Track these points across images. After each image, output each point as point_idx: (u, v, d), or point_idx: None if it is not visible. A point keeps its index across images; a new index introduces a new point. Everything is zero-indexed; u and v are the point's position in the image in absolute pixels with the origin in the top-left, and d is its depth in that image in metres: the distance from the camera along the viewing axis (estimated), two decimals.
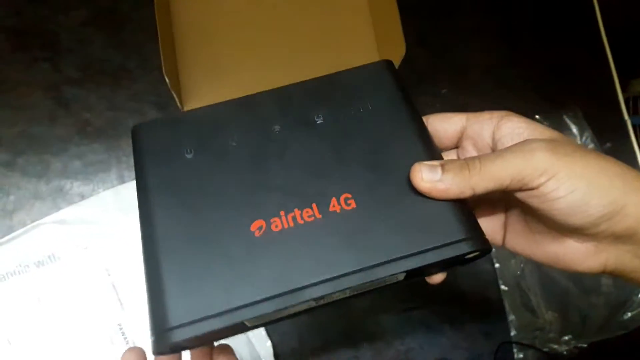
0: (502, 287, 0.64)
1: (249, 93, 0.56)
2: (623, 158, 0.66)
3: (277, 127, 0.32)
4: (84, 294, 0.57)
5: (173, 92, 0.51)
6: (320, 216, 0.29)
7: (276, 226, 0.29)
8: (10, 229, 0.58)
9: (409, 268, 0.28)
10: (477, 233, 0.29)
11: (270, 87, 0.56)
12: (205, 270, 0.28)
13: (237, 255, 0.28)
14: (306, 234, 0.29)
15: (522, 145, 0.28)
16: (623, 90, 0.70)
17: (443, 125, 0.34)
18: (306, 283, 0.27)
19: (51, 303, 0.56)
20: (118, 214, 0.58)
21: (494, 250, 0.64)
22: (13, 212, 0.59)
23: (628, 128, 0.65)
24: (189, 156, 0.32)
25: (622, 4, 0.77)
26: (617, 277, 0.30)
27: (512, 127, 0.31)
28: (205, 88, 0.57)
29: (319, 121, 0.32)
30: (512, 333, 0.63)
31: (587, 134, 0.66)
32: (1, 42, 0.62)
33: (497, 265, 0.64)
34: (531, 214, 0.32)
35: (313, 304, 0.29)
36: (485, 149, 0.32)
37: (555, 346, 0.63)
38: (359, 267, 0.28)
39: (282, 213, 0.29)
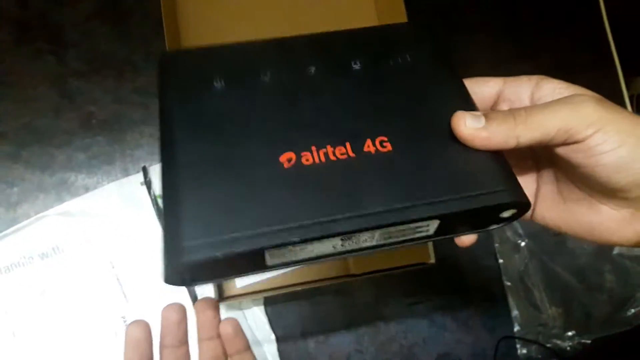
0: (506, 282, 0.64)
1: None
2: None
3: (312, 69, 0.31)
4: (88, 286, 0.57)
5: None
6: (353, 155, 0.27)
7: (307, 160, 0.27)
8: (15, 221, 0.58)
9: (442, 212, 0.26)
10: (516, 186, 0.27)
11: None
12: (228, 194, 0.26)
13: (263, 183, 0.26)
14: (337, 170, 0.27)
15: (570, 97, 0.27)
16: (628, 88, 0.70)
17: (479, 89, 0.32)
18: (334, 217, 0.25)
19: (55, 295, 0.56)
20: (122, 207, 0.58)
21: (498, 246, 0.64)
22: (17, 205, 0.59)
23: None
24: (217, 85, 0.30)
25: (627, 1, 0.77)
26: None
27: (552, 88, 0.29)
28: None
29: (356, 67, 0.31)
30: (516, 329, 0.63)
31: None
32: (6, 34, 0.62)
33: (500, 261, 0.64)
34: (569, 177, 0.30)
35: (339, 244, 0.26)
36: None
37: (559, 342, 0.63)
38: (391, 207, 0.26)
39: (313, 148, 0.28)
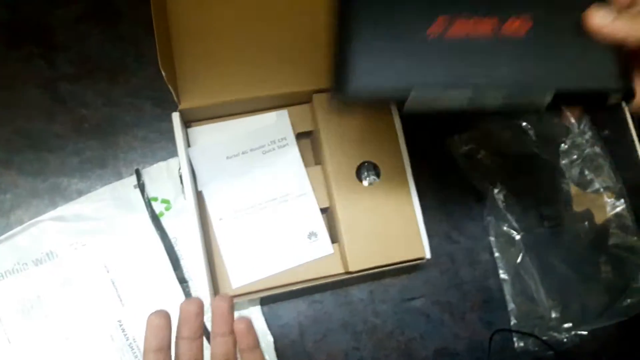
0: (502, 276, 0.64)
1: (245, 86, 0.56)
2: (621, 146, 0.66)
3: None
4: (83, 291, 0.56)
5: (169, 86, 0.51)
6: (492, 33, 0.34)
7: (456, 30, 0.34)
8: (8, 228, 0.58)
9: (559, 86, 0.33)
10: (626, 77, 0.34)
11: (266, 80, 0.56)
12: (393, 38, 0.34)
13: (415, 45, 0.34)
14: (478, 45, 0.34)
15: None
16: None
17: None
18: (470, 74, 0.34)
19: (50, 301, 0.56)
20: (116, 211, 0.58)
21: (493, 239, 0.64)
22: (10, 211, 0.59)
23: (626, 115, 0.65)
24: None
25: None
26: None
27: None
28: (202, 82, 0.56)
29: None
30: (512, 322, 0.63)
31: (585, 120, 0.65)
32: None
33: (496, 255, 0.64)
34: None
35: (467, 97, 0.34)
36: None
37: (556, 334, 0.63)
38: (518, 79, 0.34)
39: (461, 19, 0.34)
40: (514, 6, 0.34)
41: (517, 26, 0.34)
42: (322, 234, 0.58)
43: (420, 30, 0.34)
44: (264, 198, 0.58)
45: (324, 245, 0.58)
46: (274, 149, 0.59)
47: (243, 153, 0.59)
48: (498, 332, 0.62)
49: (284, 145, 0.59)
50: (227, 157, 0.58)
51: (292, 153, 0.59)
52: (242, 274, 0.56)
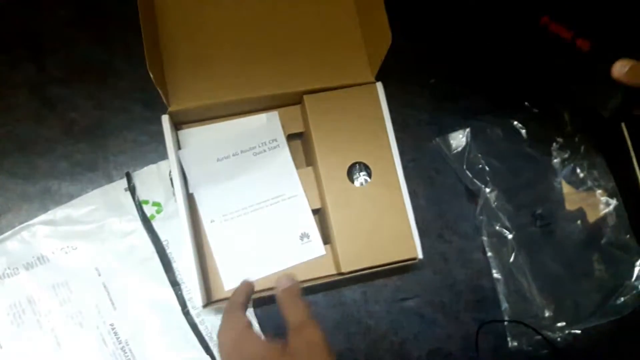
0: (495, 275, 0.64)
1: (235, 88, 0.56)
2: (614, 144, 0.66)
3: None
4: (75, 295, 0.57)
5: (158, 88, 0.51)
6: None
7: None
8: None
9: None
10: None
11: (256, 81, 0.57)
12: None
13: None
14: None
15: None
16: None
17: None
18: None
19: (42, 305, 0.56)
20: (107, 214, 0.58)
21: (486, 239, 0.64)
22: (0, 215, 0.59)
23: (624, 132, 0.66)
24: None
25: None
26: None
27: None
28: (191, 84, 0.56)
29: None
30: (506, 322, 0.63)
31: (578, 120, 0.66)
32: None
33: (489, 254, 0.64)
34: None
35: None
36: None
37: (549, 333, 0.63)
38: None
39: None
40: None
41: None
42: (314, 235, 0.58)
43: None
44: (256, 200, 0.58)
45: (316, 247, 0.58)
46: (264, 151, 0.59)
47: (234, 155, 0.59)
48: (485, 324, 0.63)
49: (275, 147, 0.59)
50: (218, 159, 0.59)
51: (283, 155, 0.59)
52: (234, 276, 0.56)
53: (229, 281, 0.56)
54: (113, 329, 0.56)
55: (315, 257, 0.58)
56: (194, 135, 0.60)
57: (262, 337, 0.55)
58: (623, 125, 0.66)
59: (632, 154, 0.67)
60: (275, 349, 0.40)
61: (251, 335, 0.41)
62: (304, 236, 0.58)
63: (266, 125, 0.60)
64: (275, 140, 0.60)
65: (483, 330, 0.63)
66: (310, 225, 0.59)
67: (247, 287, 0.46)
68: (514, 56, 0.68)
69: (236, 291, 0.46)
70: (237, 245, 0.57)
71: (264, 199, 0.58)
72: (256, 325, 0.59)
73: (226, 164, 0.59)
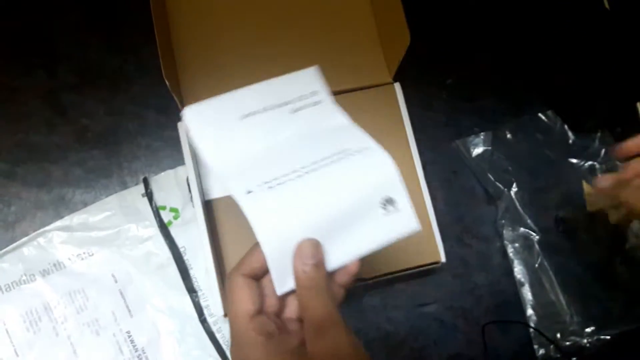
0: (519, 278, 0.65)
1: None
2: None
3: None
4: (91, 301, 0.59)
5: (174, 94, 0.53)
6: None
7: None
8: (13, 241, 0.60)
9: None
10: None
11: None
12: None
13: None
14: None
15: None
16: None
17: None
18: None
19: (58, 312, 0.59)
20: (124, 219, 0.61)
21: (508, 243, 0.65)
22: (15, 224, 0.61)
23: (638, 112, 0.67)
24: None
25: None
26: None
27: None
28: (206, 88, 0.59)
29: None
30: (531, 330, 0.64)
31: (596, 118, 0.68)
32: None
33: (512, 258, 0.65)
34: None
35: None
36: None
37: (577, 339, 0.64)
38: None
39: None
40: None
41: None
42: (401, 200, 0.41)
43: None
44: (309, 159, 0.41)
45: (406, 218, 0.41)
46: (305, 107, 0.45)
47: (265, 110, 0.44)
48: (488, 324, 0.64)
49: (318, 103, 0.46)
50: (243, 116, 0.43)
51: (332, 109, 0.46)
52: (288, 270, 0.38)
53: (280, 279, 0.38)
54: (129, 336, 0.58)
55: (405, 234, 0.41)
56: None
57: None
58: None
59: None
60: (287, 355, 0.34)
61: (254, 337, 0.35)
62: (387, 203, 0.41)
63: (301, 75, 0.46)
64: (316, 93, 0.46)
65: (507, 336, 0.64)
66: (395, 186, 0.41)
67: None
68: (532, 55, 0.69)
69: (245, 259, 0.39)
70: (289, 222, 0.38)
71: (321, 156, 0.41)
72: None
73: (255, 122, 0.43)
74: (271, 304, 0.38)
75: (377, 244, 0.41)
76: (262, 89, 0.44)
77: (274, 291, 0.38)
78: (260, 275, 0.38)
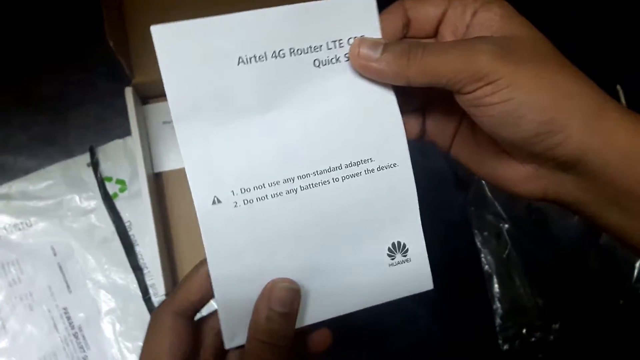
0: (487, 270, 0.64)
1: None
2: None
3: None
4: (26, 275, 0.57)
5: (119, 57, 0.52)
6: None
7: None
8: None
9: None
10: None
11: None
12: None
13: None
14: None
15: (471, 43, 0.28)
16: None
17: (423, 10, 0.31)
18: None
19: None
20: (66, 189, 0.59)
21: (476, 231, 0.64)
22: None
23: (619, 93, 0.66)
24: None
25: None
26: (559, 205, 0.30)
27: (486, 18, 0.29)
28: (154, 60, 0.56)
29: None
30: (497, 321, 0.63)
31: None
32: None
33: (480, 247, 0.64)
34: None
35: None
36: (463, 34, 0.31)
37: (543, 335, 0.63)
38: None
39: None
40: None
41: None
42: (415, 247, 0.34)
43: None
44: (310, 162, 0.31)
45: (419, 272, 0.34)
46: (336, 61, 0.30)
47: (274, 56, 0.29)
48: (451, 315, 0.63)
49: None
50: (240, 61, 0.29)
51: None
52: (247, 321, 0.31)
53: (233, 328, 0.31)
54: (66, 313, 0.57)
55: (413, 292, 0.35)
56: (163, 110, 0.60)
57: None
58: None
59: None
60: None
61: None
62: (395, 248, 0.33)
63: (346, 6, 0.30)
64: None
65: (469, 325, 0.62)
66: (412, 228, 0.33)
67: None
68: None
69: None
70: (261, 256, 0.31)
71: (330, 162, 0.31)
72: None
73: (256, 74, 0.29)
74: (209, 356, 0.33)
75: (373, 300, 0.34)
76: (276, 17, 0.29)
77: (215, 337, 0.32)
78: (199, 308, 0.32)
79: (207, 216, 0.29)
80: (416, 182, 0.63)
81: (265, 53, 0.29)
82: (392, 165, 0.33)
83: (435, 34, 0.32)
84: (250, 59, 0.29)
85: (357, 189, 0.32)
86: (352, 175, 0.32)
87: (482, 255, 0.64)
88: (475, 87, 0.26)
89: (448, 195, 0.66)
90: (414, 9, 0.31)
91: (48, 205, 0.58)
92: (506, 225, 0.64)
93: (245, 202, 0.30)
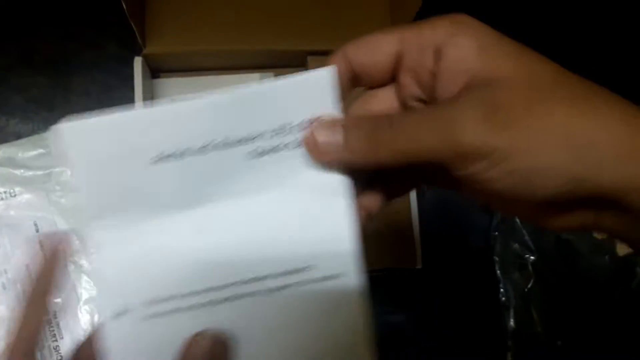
0: (503, 301, 0.60)
1: (227, 36, 0.52)
2: None
3: None
4: (2, 249, 0.54)
5: (131, 22, 0.49)
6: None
7: None
8: None
9: None
10: None
11: (252, 32, 0.53)
12: None
13: None
14: None
15: (446, 111, 0.22)
16: None
17: (371, 58, 0.26)
18: None
19: None
20: (57, 161, 0.55)
21: (497, 258, 0.60)
22: None
23: None
24: None
25: None
26: (598, 231, 0.24)
27: (457, 58, 0.23)
28: (176, 24, 0.54)
29: None
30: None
31: None
32: None
33: (500, 276, 0.61)
34: None
35: None
36: (429, 83, 0.26)
37: None
38: None
39: None
40: None
41: None
42: None
43: None
44: (237, 270, 0.27)
45: None
46: (281, 149, 0.26)
47: (202, 151, 0.26)
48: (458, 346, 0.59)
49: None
50: (158, 159, 0.26)
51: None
52: None
53: None
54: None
55: None
56: (172, 86, 0.58)
57: None
58: None
59: None
60: None
61: None
62: None
63: (299, 88, 0.25)
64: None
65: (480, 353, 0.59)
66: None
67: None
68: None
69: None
70: None
71: (259, 272, 0.27)
72: None
73: (178, 171, 0.26)
74: None
75: None
76: (205, 108, 0.25)
77: None
78: None
79: (109, 328, 0.26)
80: (439, 200, 0.60)
81: (188, 148, 0.25)
82: (336, 275, 0.27)
83: (393, 81, 0.27)
84: (169, 156, 0.25)
85: (290, 304, 0.27)
86: (285, 287, 0.27)
87: (501, 285, 0.61)
88: (465, 166, 0.22)
89: (472, 217, 0.62)
90: (356, 58, 0.26)
91: (36, 176, 0.55)
92: (532, 257, 0.61)
93: (156, 315, 0.26)
